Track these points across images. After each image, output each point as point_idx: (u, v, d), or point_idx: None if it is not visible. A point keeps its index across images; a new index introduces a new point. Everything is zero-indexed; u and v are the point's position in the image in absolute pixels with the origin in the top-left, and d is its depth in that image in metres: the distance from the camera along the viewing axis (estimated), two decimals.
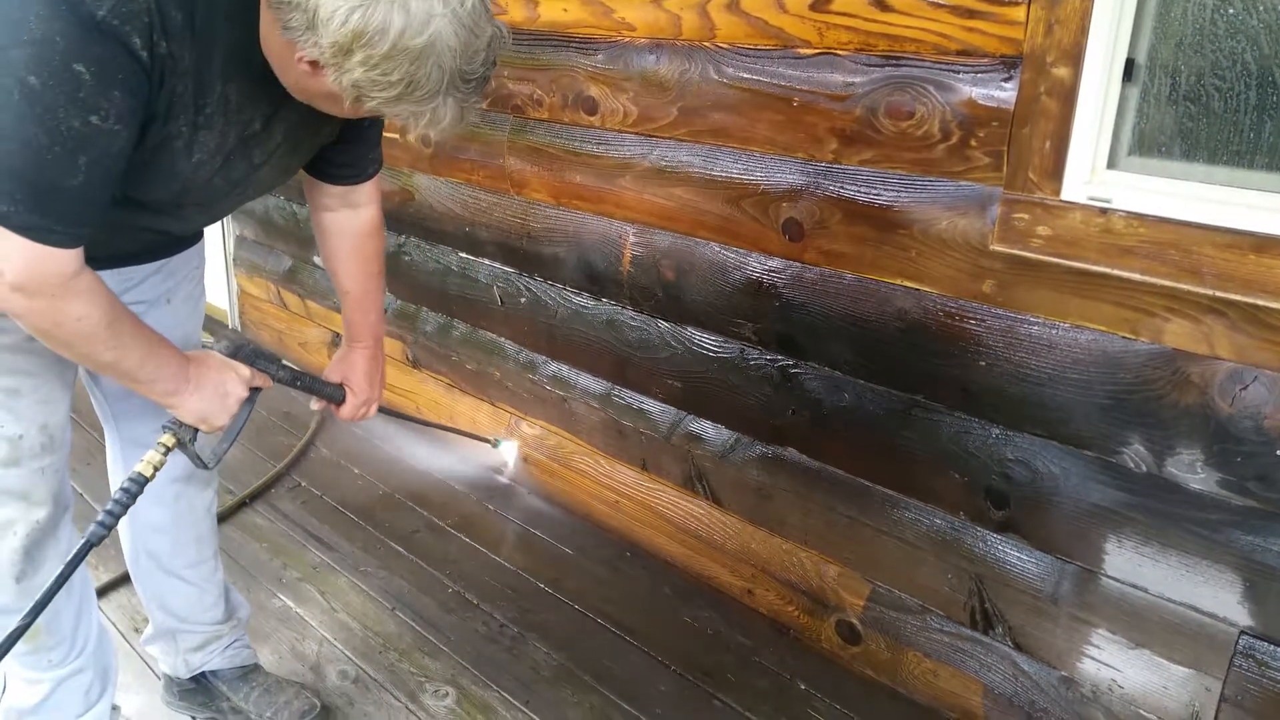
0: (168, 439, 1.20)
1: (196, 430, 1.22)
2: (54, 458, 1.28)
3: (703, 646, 1.84)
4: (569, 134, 2.00)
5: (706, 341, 1.88)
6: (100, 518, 1.15)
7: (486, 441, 1.93)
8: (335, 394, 1.46)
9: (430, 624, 1.90)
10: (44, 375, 1.24)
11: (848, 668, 1.78)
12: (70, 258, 0.99)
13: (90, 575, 1.53)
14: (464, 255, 2.40)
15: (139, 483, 1.18)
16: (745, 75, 1.64)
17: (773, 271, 1.72)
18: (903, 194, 1.51)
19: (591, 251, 2.04)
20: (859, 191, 1.56)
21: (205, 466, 1.31)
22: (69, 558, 1.13)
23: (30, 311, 1.01)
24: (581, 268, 2.07)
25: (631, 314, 2.01)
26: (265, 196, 2.47)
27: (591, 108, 1.93)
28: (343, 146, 1.32)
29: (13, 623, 1.14)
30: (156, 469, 1.19)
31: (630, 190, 1.91)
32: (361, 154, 1.36)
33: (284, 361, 1.34)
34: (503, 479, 2.27)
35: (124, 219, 1.14)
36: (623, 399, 2.09)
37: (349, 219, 1.42)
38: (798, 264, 1.68)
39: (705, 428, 1.94)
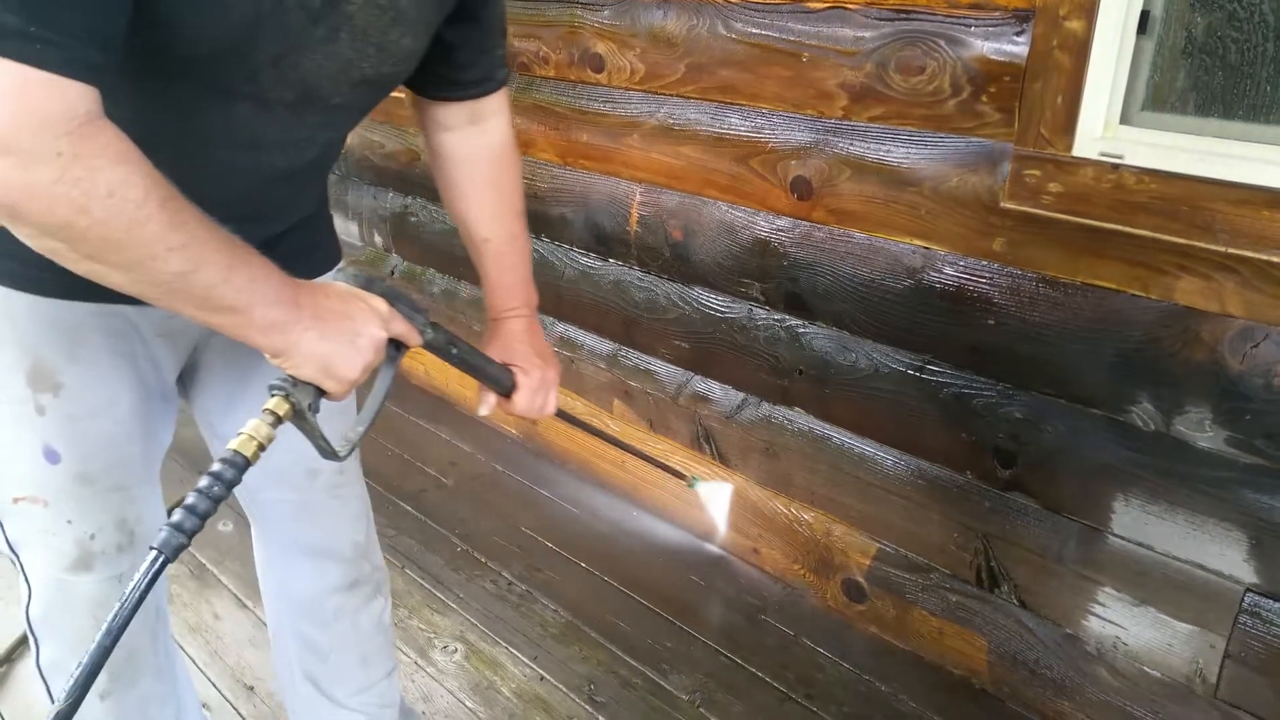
0: (277, 403, 0.80)
1: (319, 392, 0.83)
2: (136, 559, 1.01)
3: (709, 604, 1.86)
4: (575, 92, 1.98)
5: (714, 302, 1.87)
6: (176, 518, 0.73)
7: (681, 478, 1.68)
8: (501, 378, 1.06)
9: (439, 581, 1.92)
10: (120, 450, 0.99)
11: (854, 626, 1.79)
12: (77, 92, 0.63)
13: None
14: None
15: (237, 466, 0.77)
16: (754, 30, 1.62)
17: (781, 231, 1.70)
18: (913, 151, 1.49)
19: (598, 212, 2.03)
20: (869, 149, 1.54)
21: (335, 455, 0.88)
22: (138, 576, 0.70)
23: (30, 191, 0.63)
24: (589, 228, 2.07)
25: (639, 274, 2.00)
26: None
27: (598, 65, 1.90)
28: (462, 34, 0.99)
29: None
30: (262, 446, 0.79)
31: (637, 149, 1.89)
32: (484, 46, 1.04)
33: (439, 324, 0.97)
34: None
35: (182, 98, 0.81)
36: (630, 360, 2.09)
37: (477, 140, 1.09)
38: (806, 223, 1.66)
39: (713, 388, 1.94)
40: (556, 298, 2.21)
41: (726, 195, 1.77)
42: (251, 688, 1.66)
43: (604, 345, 2.14)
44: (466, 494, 2.24)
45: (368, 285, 0.87)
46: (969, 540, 1.59)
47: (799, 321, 1.73)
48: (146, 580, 0.70)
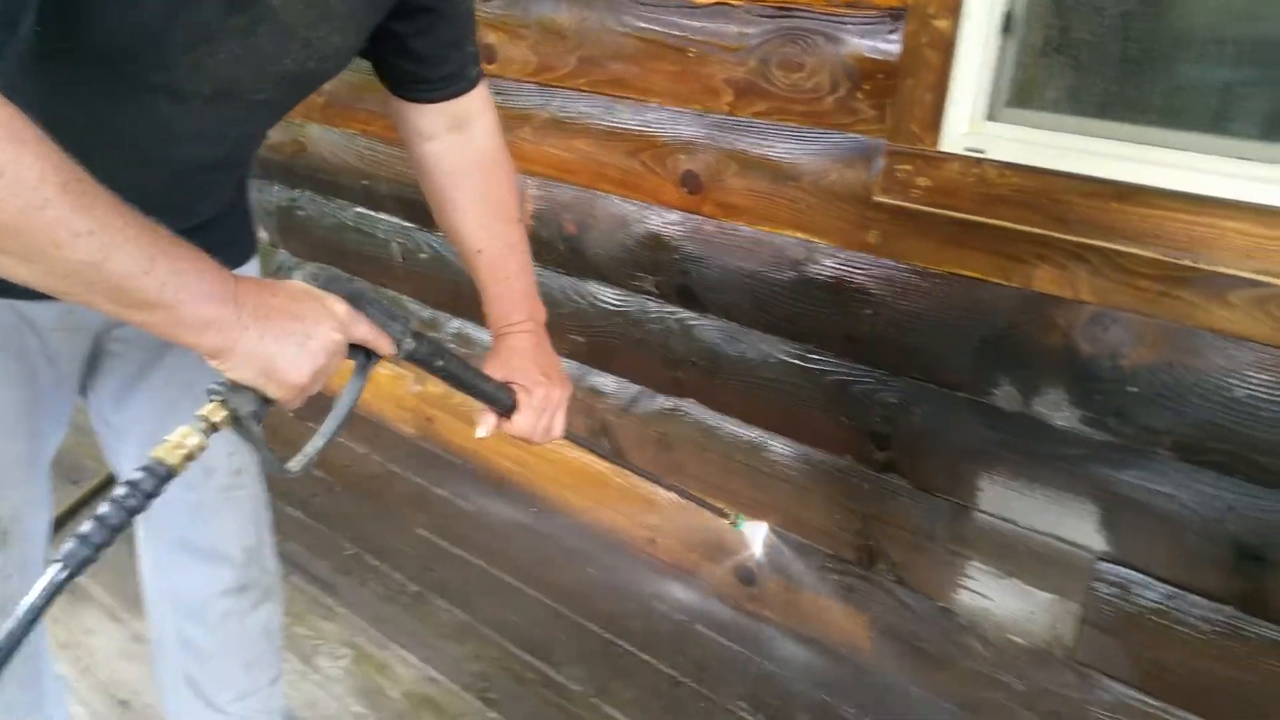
0: (212, 409, 0.73)
1: (263, 400, 0.75)
2: (8, 558, 0.96)
3: (605, 596, 1.87)
4: None
5: (608, 295, 1.89)
6: (84, 529, 0.67)
7: (725, 518, 1.66)
8: (499, 397, 1.00)
9: (327, 587, 1.88)
10: None
11: (746, 610, 1.84)
12: None
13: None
14: (361, 210, 2.35)
15: (158, 476, 0.70)
16: (642, 25, 1.65)
17: (672, 224, 1.74)
18: (795, 146, 1.54)
19: None
20: (753, 144, 1.59)
21: (283, 470, 0.81)
22: (36, 589, 0.65)
23: None
24: None
25: (534, 269, 2.00)
26: None
27: (490, 56, 1.90)
28: (419, 27, 0.94)
29: None
30: (191, 455, 0.71)
31: (530, 142, 1.90)
32: (451, 40, 0.99)
33: (425, 333, 0.89)
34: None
35: (94, 89, 0.77)
36: None
37: (461, 149, 1.05)
38: (697, 217, 1.70)
39: (608, 382, 1.96)
40: (453, 293, 2.19)
41: (619, 189, 1.79)
42: (125, 702, 1.59)
43: None
44: (358, 497, 2.19)
45: (328, 285, 0.80)
46: (850, 521, 1.65)
47: (690, 314, 1.77)
48: (46, 594, 0.65)
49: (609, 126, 1.76)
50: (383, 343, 0.82)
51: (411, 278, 2.28)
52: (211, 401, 0.74)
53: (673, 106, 1.67)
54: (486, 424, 1.03)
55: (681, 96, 1.65)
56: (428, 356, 0.89)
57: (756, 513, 1.77)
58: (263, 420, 0.76)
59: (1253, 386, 1.23)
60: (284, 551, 1.94)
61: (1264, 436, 1.23)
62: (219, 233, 1.00)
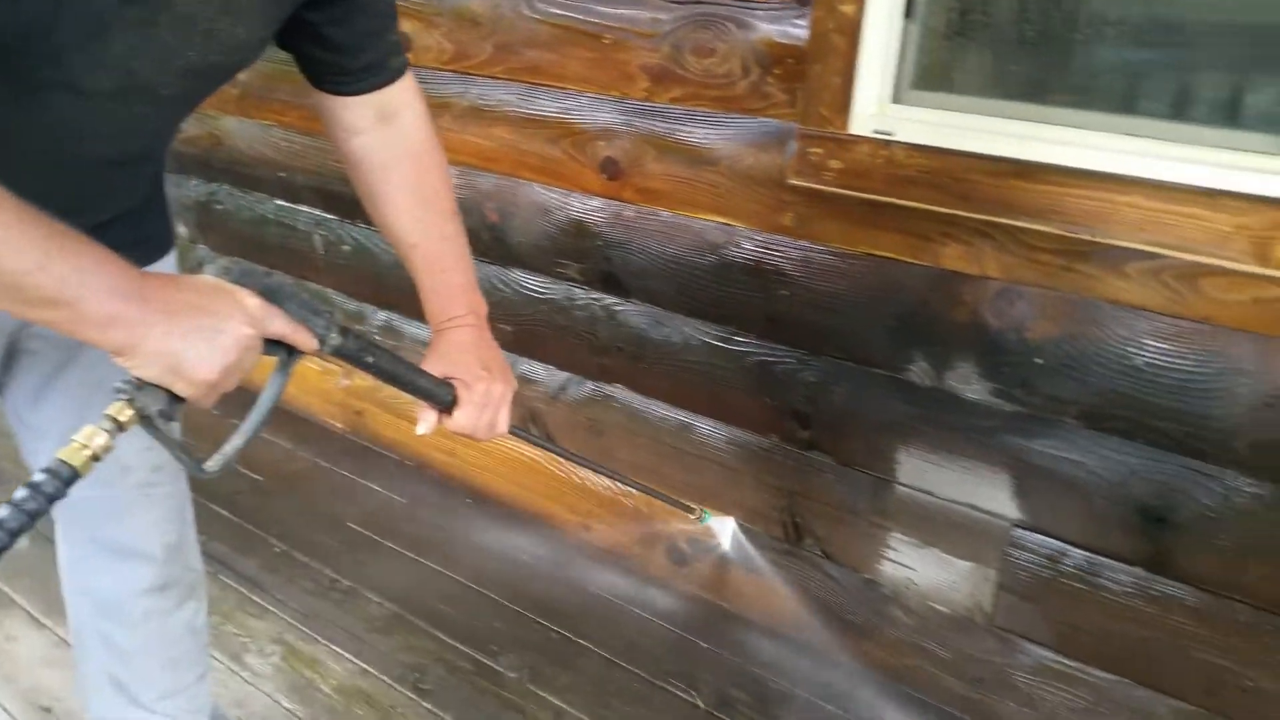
0: (118, 408, 0.72)
1: (173, 398, 0.74)
2: None
3: (540, 582, 1.88)
4: None
5: (533, 283, 1.89)
6: None
7: (689, 512, 1.66)
8: (437, 392, 0.97)
9: (255, 584, 1.85)
10: None
11: (678, 589, 1.86)
12: None
13: None
14: (281, 202, 2.31)
15: (61, 478, 0.69)
16: (557, 11, 1.64)
17: (594, 211, 1.74)
18: (711, 131, 1.56)
19: None
20: (670, 129, 1.60)
21: (201, 470, 0.80)
22: None
23: None
24: None
25: None
26: None
27: (405, 44, 1.87)
28: (333, 16, 0.93)
29: None
30: (96, 456, 0.70)
31: (450, 130, 1.88)
32: (369, 29, 0.97)
33: (353, 328, 0.87)
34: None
35: None
36: None
37: (389, 142, 1.03)
38: (617, 203, 1.71)
39: (536, 369, 1.96)
40: (376, 284, 2.16)
41: (540, 177, 1.79)
42: (49, 709, 1.55)
43: (428, 332, 2.11)
44: (287, 493, 2.16)
45: (241, 279, 0.77)
46: (777, 499, 1.68)
47: (615, 300, 1.78)
48: None
49: (528, 114, 1.76)
50: (302, 338, 0.81)
51: (334, 270, 2.24)
52: (118, 400, 0.72)
53: (590, 93, 1.67)
54: (427, 421, 1.00)
55: (598, 83, 1.65)
56: (357, 352, 0.87)
57: (687, 494, 1.80)
58: (174, 419, 0.75)
59: (1150, 354, 1.28)
60: (210, 550, 1.92)
61: (1162, 402, 1.29)
62: (133, 228, 0.99)
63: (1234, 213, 1.17)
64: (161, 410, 0.74)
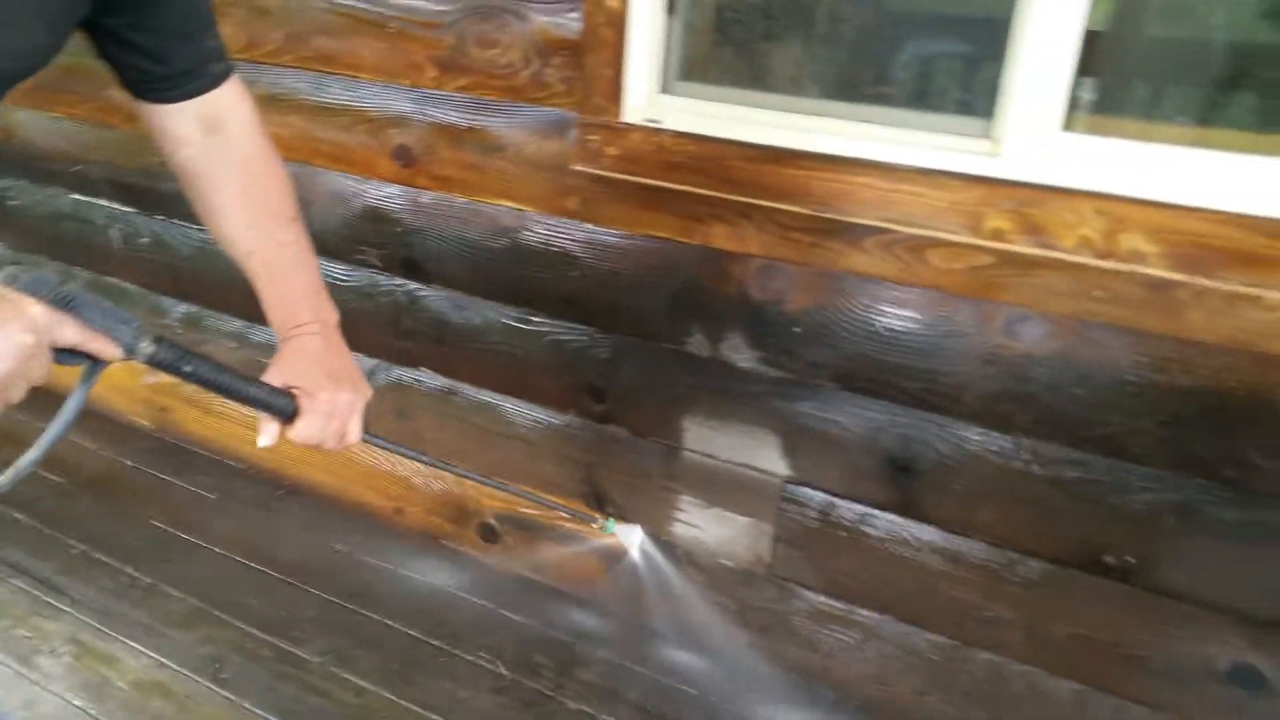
0: None
1: None
2: None
3: (351, 569, 1.89)
4: None
5: (336, 271, 1.90)
6: None
7: (591, 522, 1.66)
8: (274, 402, 0.94)
9: (50, 587, 1.79)
10: None
11: (490, 566, 1.91)
12: None
13: None
14: (77, 196, 2.21)
15: None
16: (343, 1, 1.66)
17: (390, 198, 1.77)
18: (497, 119, 1.61)
19: None
20: (460, 117, 1.65)
21: None
22: None
23: None
24: None
25: None
26: None
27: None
28: (135, 19, 0.89)
29: None
30: None
31: None
32: (181, 32, 0.93)
33: (166, 336, 0.84)
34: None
35: None
36: (259, 336, 2.05)
37: (219, 150, 1.00)
38: (413, 189, 1.74)
39: None
40: (175, 277, 2.11)
41: (336, 164, 1.80)
42: None
43: (232, 323, 2.08)
44: (90, 495, 2.09)
45: (29, 286, 0.73)
46: (578, 471, 1.76)
47: (417, 285, 1.81)
48: None
49: (321, 102, 1.77)
50: (99, 346, 0.78)
51: (133, 264, 2.17)
52: None
53: (381, 81, 1.69)
54: (268, 433, 0.98)
55: (389, 72, 1.68)
56: (173, 361, 0.84)
57: (494, 473, 1.85)
58: None
59: (889, 320, 1.43)
60: (4, 557, 1.84)
61: (901, 362, 1.44)
62: None
63: (949, 190, 1.32)
64: None
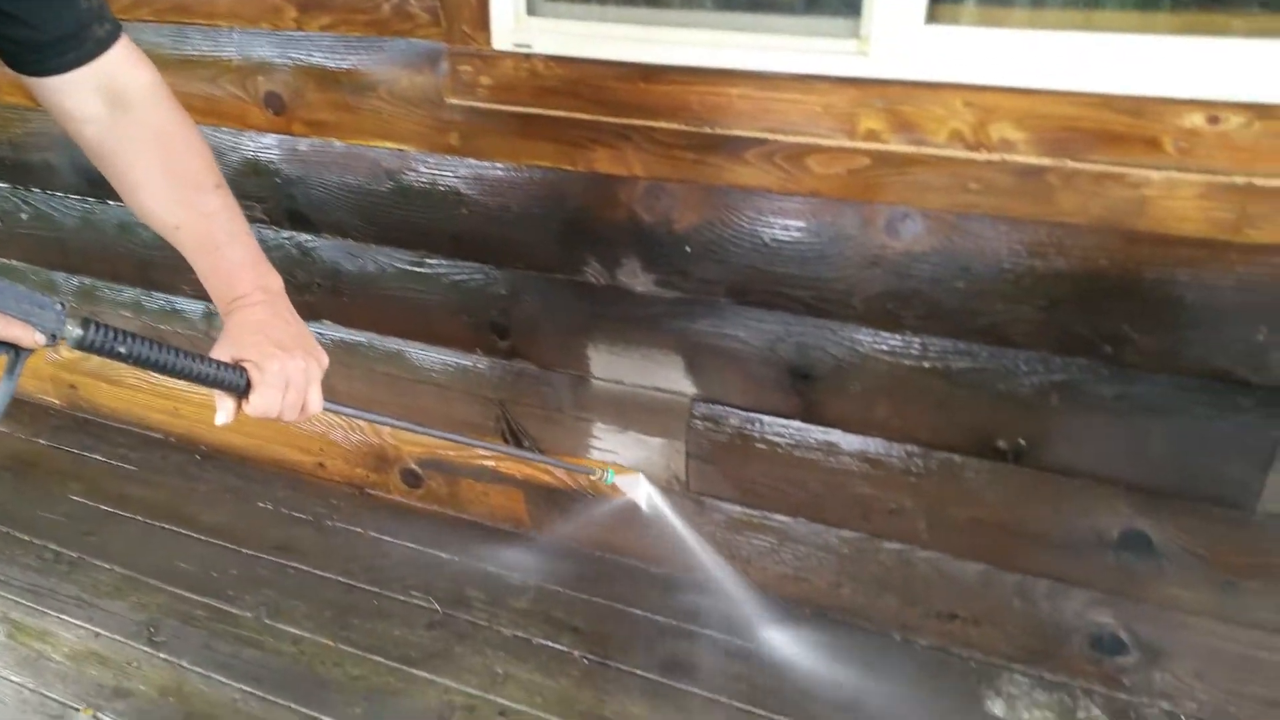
0: None
1: None
2: None
3: (277, 525, 1.90)
4: None
5: None
6: None
7: (590, 474, 1.60)
8: (224, 378, 0.90)
9: None
10: None
11: (416, 509, 1.93)
12: None
13: None
14: None
15: None
16: None
17: (267, 149, 1.71)
18: (365, 56, 1.56)
19: (81, 152, 1.88)
20: (326, 58, 1.59)
21: None
22: None
23: None
24: (77, 171, 1.92)
25: None
26: None
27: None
28: None
29: None
30: None
31: None
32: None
33: (96, 319, 0.80)
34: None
35: None
36: (154, 302, 2.00)
37: (125, 123, 0.93)
38: (289, 137, 1.69)
39: None
40: (62, 251, 2.04)
41: (207, 119, 1.73)
42: None
43: (124, 292, 2.03)
44: (6, 477, 2.05)
45: None
46: (490, 409, 1.77)
47: (306, 236, 1.77)
48: None
49: (183, 55, 1.69)
50: (18, 333, 0.74)
51: (15, 241, 2.09)
52: None
53: (240, 28, 1.62)
54: (225, 409, 0.93)
55: (247, 16, 1.61)
56: (105, 343, 0.80)
57: (408, 418, 1.85)
58: None
59: (775, 230, 1.43)
60: None
61: (790, 272, 1.45)
62: None
63: (822, 94, 1.32)
64: None
